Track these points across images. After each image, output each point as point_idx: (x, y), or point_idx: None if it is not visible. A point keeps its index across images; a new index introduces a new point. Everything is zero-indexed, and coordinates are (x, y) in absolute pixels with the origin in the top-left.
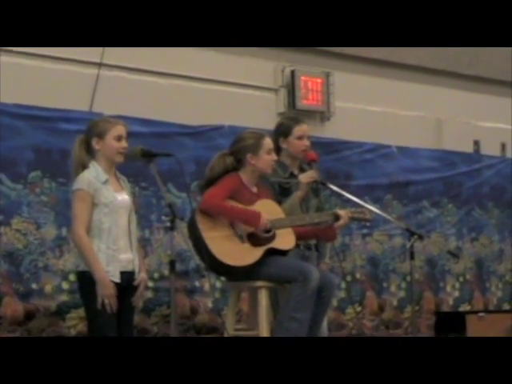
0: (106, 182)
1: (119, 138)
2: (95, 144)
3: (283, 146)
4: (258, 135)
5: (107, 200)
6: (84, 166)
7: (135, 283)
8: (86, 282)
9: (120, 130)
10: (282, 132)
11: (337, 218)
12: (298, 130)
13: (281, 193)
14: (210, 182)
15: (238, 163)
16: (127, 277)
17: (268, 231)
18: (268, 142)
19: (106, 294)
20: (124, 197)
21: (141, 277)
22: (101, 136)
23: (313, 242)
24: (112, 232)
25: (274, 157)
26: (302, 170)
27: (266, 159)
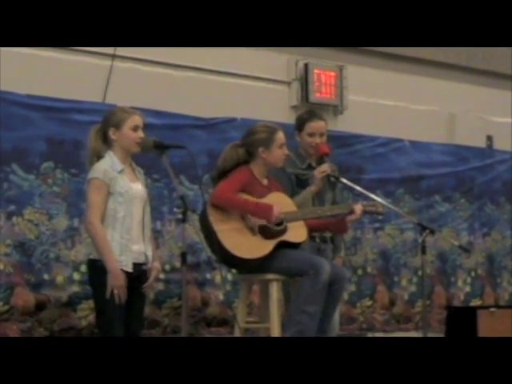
0: (121, 172)
1: (136, 128)
2: (112, 134)
3: (297, 139)
4: (271, 129)
5: (122, 189)
6: (99, 156)
7: (147, 267)
8: (96, 270)
9: (137, 120)
10: (297, 125)
11: (351, 211)
12: (310, 126)
13: (298, 184)
14: (222, 174)
15: (249, 156)
16: (138, 268)
17: (280, 224)
18: (280, 137)
19: (116, 285)
20: (139, 187)
21: (154, 265)
22: (118, 126)
23: (328, 235)
24: (126, 222)
25: (285, 151)
26: (319, 163)
27: (277, 154)
